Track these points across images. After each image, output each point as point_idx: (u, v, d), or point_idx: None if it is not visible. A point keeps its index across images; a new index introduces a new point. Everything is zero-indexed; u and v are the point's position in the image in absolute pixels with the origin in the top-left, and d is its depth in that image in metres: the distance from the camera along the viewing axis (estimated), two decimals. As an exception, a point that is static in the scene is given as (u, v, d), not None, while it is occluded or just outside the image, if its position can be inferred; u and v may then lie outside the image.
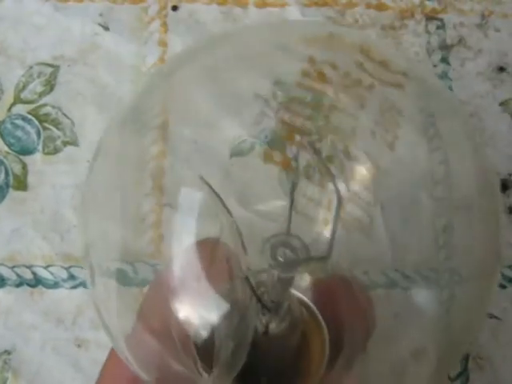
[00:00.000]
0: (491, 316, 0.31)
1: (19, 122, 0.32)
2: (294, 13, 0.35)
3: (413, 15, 0.35)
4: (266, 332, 0.19)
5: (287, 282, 0.19)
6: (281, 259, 0.18)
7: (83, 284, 0.31)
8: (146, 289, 0.25)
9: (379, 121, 0.23)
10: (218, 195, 0.19)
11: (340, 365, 0.20)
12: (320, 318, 0.21)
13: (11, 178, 0.32)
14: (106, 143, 0.24)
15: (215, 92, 0.25)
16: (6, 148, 0.32)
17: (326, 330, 0.21)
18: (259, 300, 0.19)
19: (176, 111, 0.25)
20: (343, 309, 0.21)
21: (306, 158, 0.24)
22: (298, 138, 0.26)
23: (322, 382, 0.20)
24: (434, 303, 0.23)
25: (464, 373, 0.31)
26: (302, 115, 0.26)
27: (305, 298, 0.21)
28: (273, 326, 0.20)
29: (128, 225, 0.24)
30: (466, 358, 0.31)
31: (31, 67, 0.33)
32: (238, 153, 0.26)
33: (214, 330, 0.19)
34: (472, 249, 0.22)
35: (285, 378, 0.20)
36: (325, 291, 0.22)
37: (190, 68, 0.25)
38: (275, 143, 0.25)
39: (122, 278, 0.24)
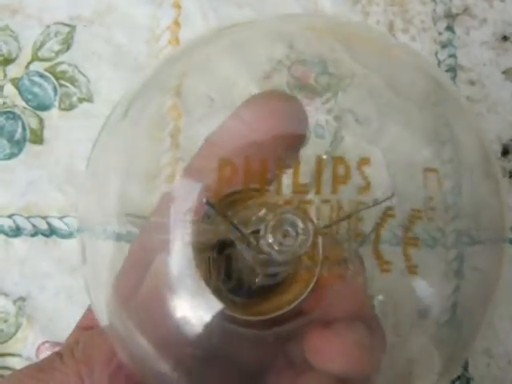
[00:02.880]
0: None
1: (36, 78, 0.33)
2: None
3: (420, -16, 0.36)
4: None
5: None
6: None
7: (96, 234, 0.31)
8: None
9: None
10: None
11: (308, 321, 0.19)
12: (319, 256, 0.19)
13: (28, 132, 0.33)
14: (119, 108, 0.25)
15: (231, 54, 0.26)
16: (23, 103, 0.33)
17: (317, 272, 0.19)
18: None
19: (193, 70, 0.26)
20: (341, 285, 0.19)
21: (315, 117, 0.25)
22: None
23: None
24: (440, 263, 0.23)
25: (463, 330, 0.32)
26: (313, 72, 0.26)
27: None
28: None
29: (141, 181, 0.25)
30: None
31: (48, 26, 0.34)
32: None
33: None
34: (480, 211, 0.21)
35: (261, 292, 0.19)
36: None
37: (208, 44, 0.25)
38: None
39: (129, 238, 0.24)
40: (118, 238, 0.23)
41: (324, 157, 0.18)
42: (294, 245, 0.17)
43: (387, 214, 0.18)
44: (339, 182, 0.17)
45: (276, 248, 0.17)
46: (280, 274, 0.19)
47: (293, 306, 0.18)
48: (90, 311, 0.24)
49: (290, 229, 0.17)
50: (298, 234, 0.17)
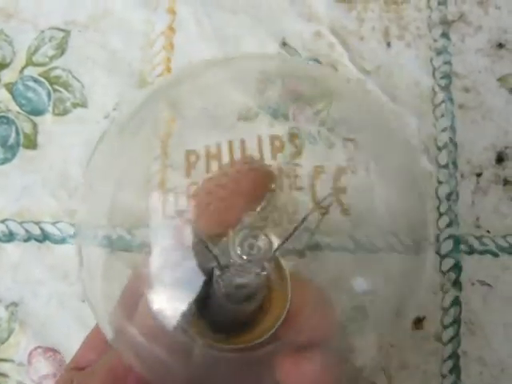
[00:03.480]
0: (483, 283, 0.32)
1: (31, 83, 0.33)
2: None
3: (415, -10, 0.36)
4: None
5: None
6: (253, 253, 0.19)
7: (89, 240, 0.31)
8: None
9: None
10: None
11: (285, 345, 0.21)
12: (288, 286, 0.21)
13: (21, 136, 0.33)
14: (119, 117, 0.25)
15: (223, 69, 0.26)
16: (17, 108, 0.33)
17: (288, 300, 0.21)
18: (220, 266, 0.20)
19: (188, 83, 0.26)
20: (310, 303, 0.21)
21: (307, 127, 0.25)
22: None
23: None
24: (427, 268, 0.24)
25: (456, 337, 0.32)
26: (306, 83, 0.26)
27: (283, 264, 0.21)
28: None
29: (134, 188, 0.25)
30: (459, 324, 0.32)
31: (43, 31, 0.34)
32: (244, 118, 0.26)
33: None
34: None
35: (236, 325, 0.21)
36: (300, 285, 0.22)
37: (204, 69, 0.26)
38: (279, 113, 0.26)
39: (121, 245, 0.25)
40: (111, 243, 0.23)
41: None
42: (259, 253, 0.19)
43: (317, 171, 0.21)
44: (276, 151, 0.22)
45: (245, 257, 0.19)
46: (256, 298, 0.21)
47: (269, 334, 0.21)
48: (80, 350, 0.25)
49: (254, 241, 0.19)
50: (260, 244, 0.19)
